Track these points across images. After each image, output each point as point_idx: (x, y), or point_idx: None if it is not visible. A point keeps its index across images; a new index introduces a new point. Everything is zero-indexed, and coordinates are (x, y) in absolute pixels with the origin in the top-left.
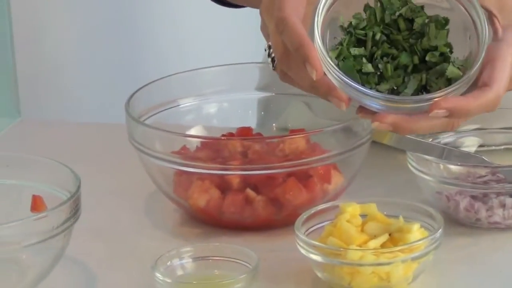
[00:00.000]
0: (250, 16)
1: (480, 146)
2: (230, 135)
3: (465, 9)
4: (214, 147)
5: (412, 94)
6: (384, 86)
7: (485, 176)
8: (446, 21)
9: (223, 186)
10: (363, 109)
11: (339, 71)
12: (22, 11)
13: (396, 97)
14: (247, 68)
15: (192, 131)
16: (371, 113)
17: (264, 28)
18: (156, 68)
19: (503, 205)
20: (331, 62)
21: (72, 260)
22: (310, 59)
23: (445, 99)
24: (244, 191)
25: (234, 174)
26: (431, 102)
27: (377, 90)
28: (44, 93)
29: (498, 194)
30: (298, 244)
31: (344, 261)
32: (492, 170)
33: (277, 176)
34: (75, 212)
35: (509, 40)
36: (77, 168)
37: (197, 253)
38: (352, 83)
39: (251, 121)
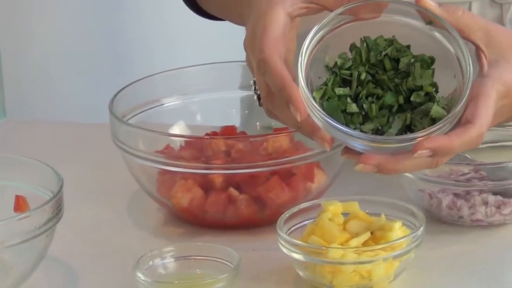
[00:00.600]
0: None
1: None
2: (214, 134)
3: (451, 47)
4: (197, 146)
5: (397, 134)
6: (369, 126)
7: (467, 173)
8: (432, 60)
9: (206, 185)
10: (348, 150)
11: (323, 112)
12: (7, 11)
13: (379, 137)
14: (231, 67)
15: (176, 130)
16: (356, 154)
17: (248, 63)
18: (141, 67)
19: (485, 203)
20: (314, 104)
21: (54, 260)
22: (293, 100)
23: (428, 138)
24: (227, 190)
25: (217, 173)
26: (414, 142)
27: (361, 130)
28: (29, 93)
29: (481, 192)
30: (280, 243)
31: (326, 259)
32: (475, 168)
33: (260, 175)
34: (58, 212)
35: (494, 76)
36: (60, 168)
37: (179, 253)
38: (336, 124)
39: (235, 120)
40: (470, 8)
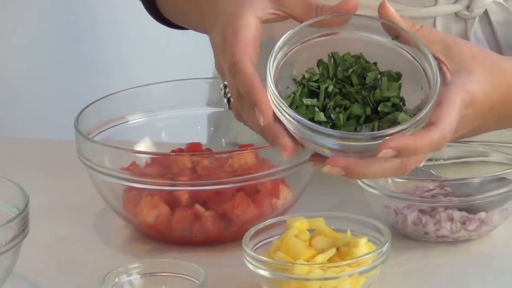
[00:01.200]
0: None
1: (428, 160)
2: (180, 151)
3: (416, 59)
4: (163, 163)
5: None
6: None
7: (433, 190)
8: (399, 75)
9: (172, 202)
10: (314, 157)
11: (293, 111)
12: None
13: (349, 133)
14: (196, 84)
15: (141, 147)
16: (322, 160)
17: (219, 68)
18: (106, 84)
19: (451, 219)
20: (284, 103)
21: (20, 277)
22: (258, 105)
23: (392, 138)
24: (193, 207)
25: (183, 189)
26: (381, 141)
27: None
28: None
29: (446, 208)
30: (246, 259)
31: (292, 276)
32: (440, 184)
33: (226, 191)
34: (24, 229)
35: (457, 84)
36: (26, 185)
37: (145, 269)
38: (306, 121)
39: (201, 137)
40: (435, 23)
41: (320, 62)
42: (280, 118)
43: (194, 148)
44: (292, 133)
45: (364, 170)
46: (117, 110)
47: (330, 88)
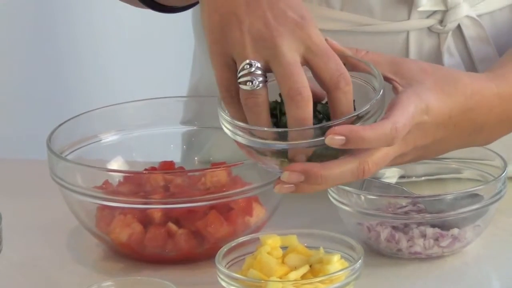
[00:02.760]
0: (177, 52)
1: (401, 177)
2: (153, 169)
3: (367, 82)
4: (136, 182)
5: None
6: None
7: (405, 206)
8: None
9: (145, 220)
10: (279, 181)
11: (235, 120)
12: None
13: (298, 128)
14: (169, 102)
15: (114, 166)
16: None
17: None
18: (79, 103)
19: (423, 235)
20: (223, 115)
21: None
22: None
23: (340, 125)
24: (166, 225)
25: (156, 208)
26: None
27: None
28: None
29: (419, 224)
30: (219, 277)
31: None
32: (413, 201)
33: (199, 209)
34: None
35: (408, 91)
36: None
37: None
38: (252, 126)
39: (175, 155)
40: (408, 38)
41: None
42: (236, 139)
43: (167, 167)
44: (248, 153)
45: (322, 172)
46: (90, 128)
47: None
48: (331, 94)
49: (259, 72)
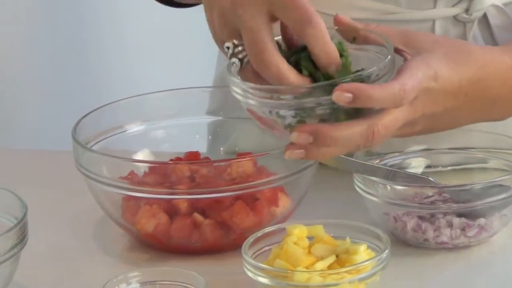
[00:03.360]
0: (203, 41)
1: (427, 167)
2: (178, 159)
3: (377, 53)
4: (161, 172)
5: None
6: None
7: (431, 196)
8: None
9: (171, 210)
10: (289, 147)
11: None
12: None
13: (308, 84)
14: (195, 93)
15: (140, 156)
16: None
17: (223, 30)
18: (104, 93)
19: (450, 225)
20: (235, 79)
21: (20, 287)
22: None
23: (347, 83)
24: (192, 215)
25: (182, 198)
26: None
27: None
28: None
29: (445, 214)
30: (246, 267)
31: (291, 283)
32: (439, 190)
33: (225, 199)
34: (22, 238)
35: (417, 59)
36: (24, 194)
37: (145, 278)
38: (264, 86)
39: (200, 146)
40: (433, 26)
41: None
42: (247, 104)
43: (192, 157)
44: (260, 120)
45: (332, 132)
46: (115, 119)
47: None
48: (304, 41)
49: (239, 49)
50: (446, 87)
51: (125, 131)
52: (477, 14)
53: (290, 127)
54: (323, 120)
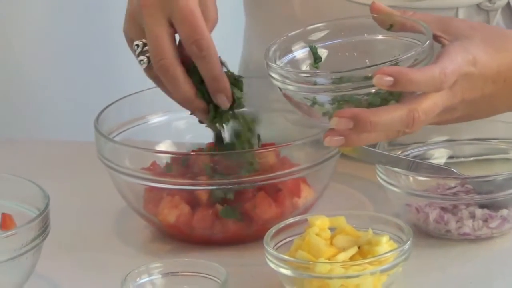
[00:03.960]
0: (227, 32)
1: (450, 157)
2: (200, 150)
3: (415, 40)
4: (184, 163)
5: None
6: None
7: (454, 187)
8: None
9: (193, 201)
10: (328, 133)
11: (288, 67)
12: None
13: (342, 71)
14: None
15: (162, 147)
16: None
17: (131, 28)
18: (127, 84)
19: (472, 216)
20: (272, 65)
21: (42, 278)
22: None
23: (387, 66)
24: (214, 206)
25: (204, 189)
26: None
27: None
28: (14, 111)
29: (468, 205)
30: (268, 258)
31: (313, 274)
32: (461, 182)
33: (247, 190)
34: (44, 229)
35: (455, 44)
36: (46, 185)
37: (167, 269)
38: (301, 70)
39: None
40: (457, 14)
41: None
42: (286, 89)
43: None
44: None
45: (372, 118)
46: (138, 110)
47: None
48: (192, 59)
49: (147, 48)
50: (485, 73)
51: (147, 121)
52: (500, 3)
53: (328, 115)
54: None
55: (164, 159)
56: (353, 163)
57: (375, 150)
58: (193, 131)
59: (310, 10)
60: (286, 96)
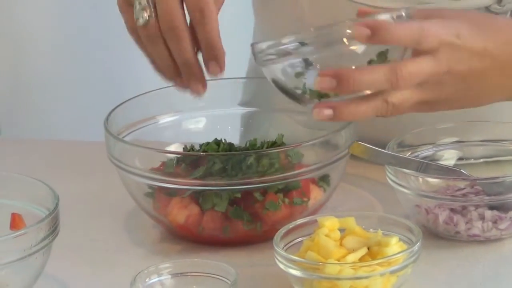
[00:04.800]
0: (236, 32)
1: (459, 159)
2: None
3: None
4: (193, 163)
5: None
6: None
7: (463, 189)
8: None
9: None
10: (317, 105)
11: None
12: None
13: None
14: (228, 84)
15: (171, 148)
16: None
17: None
18: (137, 84)
19: (482, 218)
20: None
21: (51, 278)
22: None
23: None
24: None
25: (213, 189)
26: None
27: None
28: (25, 111)
29: (477, 207)
30: (277, 259)
31: (323, 275)
32: (471, 183)
33: (256, 191)
34: (54, 229)
35: (439, 19)
36: (56, 185)
37: (176, 269)
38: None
39: (232, 137)
40: None
41: None
42: (270, 72)
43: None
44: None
45: (356, 75)
46: (147, 110)
47: None
48: (194, 26)
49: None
50: (471, 46)
51: (157, 122)
52: (509, 6)
53: (312, 94)
54: None
55: (174, 159)
56: (363, 164)
57: (384, 151)
58: (203, 132)
59: (319, 10)
60: (273, 81)
